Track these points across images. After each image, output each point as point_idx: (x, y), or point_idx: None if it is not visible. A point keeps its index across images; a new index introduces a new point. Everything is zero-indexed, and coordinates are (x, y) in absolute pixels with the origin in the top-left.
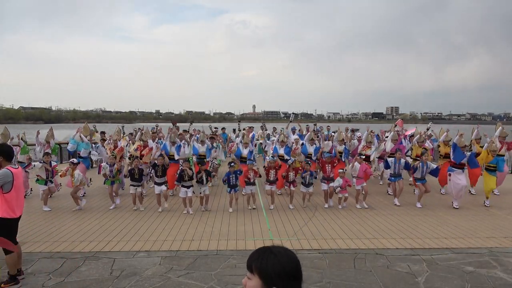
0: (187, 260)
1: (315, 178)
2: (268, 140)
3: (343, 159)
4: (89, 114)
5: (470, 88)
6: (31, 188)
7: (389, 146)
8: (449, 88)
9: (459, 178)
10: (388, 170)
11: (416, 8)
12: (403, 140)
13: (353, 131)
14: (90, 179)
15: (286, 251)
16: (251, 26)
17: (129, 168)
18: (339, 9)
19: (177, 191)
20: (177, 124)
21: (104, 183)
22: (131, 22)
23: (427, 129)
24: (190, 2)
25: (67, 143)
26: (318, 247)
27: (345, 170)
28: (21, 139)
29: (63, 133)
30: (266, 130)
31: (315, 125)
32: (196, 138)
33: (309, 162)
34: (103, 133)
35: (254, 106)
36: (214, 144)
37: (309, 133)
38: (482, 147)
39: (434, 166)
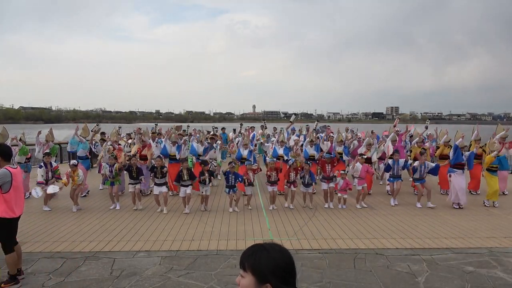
0: (187, 260)
1: (314, 181)
2: (268, 142)
3: (343, 159)
4: (89, 114)
5: (470, 88)
6: (29, 193)
7: (390, 147)
8: (449, 88)
9: (459, 180)
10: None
11: (416, 8)
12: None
13: (352, 131)
14: (88, 191)
15: (279, 247)
16: (251, 26)
17: (128, 164)
18: (339, 9)
19: (179, 191)
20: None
21: (104, 184)
22: (131, 22)
23: (426, 128)
24: (190, 2)
25: (67, 143)
26: (318, 247)
27: (346, 171)
28: (20, 139)
29: (63, 133)
30: (266, 128)
31: (318, 121)
32: (196, 137)
33: (309, 163)
34: (103, 133)
35: (254, 106)
36: (214, 145)
37: (307, 138)
38: (482, 147)
39: (433, 165)
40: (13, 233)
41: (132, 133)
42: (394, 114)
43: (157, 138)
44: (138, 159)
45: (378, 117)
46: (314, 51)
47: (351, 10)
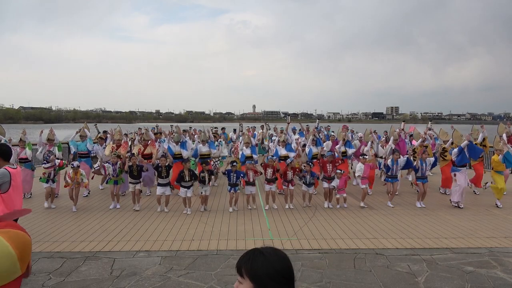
0: (187, 260)
1: (318, 178)
2: (272, 141)
3: (347, 156)
4: (89, 114)
5: (470, 88)
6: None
7: (389, 148)
8: (449, 88)
9: (462, 179)
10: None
11: (416, 8)
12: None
13: (352, 131)
14: (89, 192)
15: (276, 251)
16: (251, 26)
17: (129, 164)
18: (339, 9)
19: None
20: (178, 125)
21: (106, 183)
22: (131, 22)
23: (429, 129)
24: (190, 2)
25: (67, 143)
26: (318, 247)
27: (343, 171)
28: (21, 139)
29: (63, 133)
30: (269, 129)
31: (319, 119)
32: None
33: (310, 163)
34: (105, 132)
35: (254, 106)
36: (216, 142)
37: (310, 136)
38: (481, 143)
39: (432, 159)
40: None
41: (132, 133)
42: (394, 114)
43: (159, 138)
44: (141, 159)
45: (378, 117)
46: (314, 51)
47: (351, 10)
